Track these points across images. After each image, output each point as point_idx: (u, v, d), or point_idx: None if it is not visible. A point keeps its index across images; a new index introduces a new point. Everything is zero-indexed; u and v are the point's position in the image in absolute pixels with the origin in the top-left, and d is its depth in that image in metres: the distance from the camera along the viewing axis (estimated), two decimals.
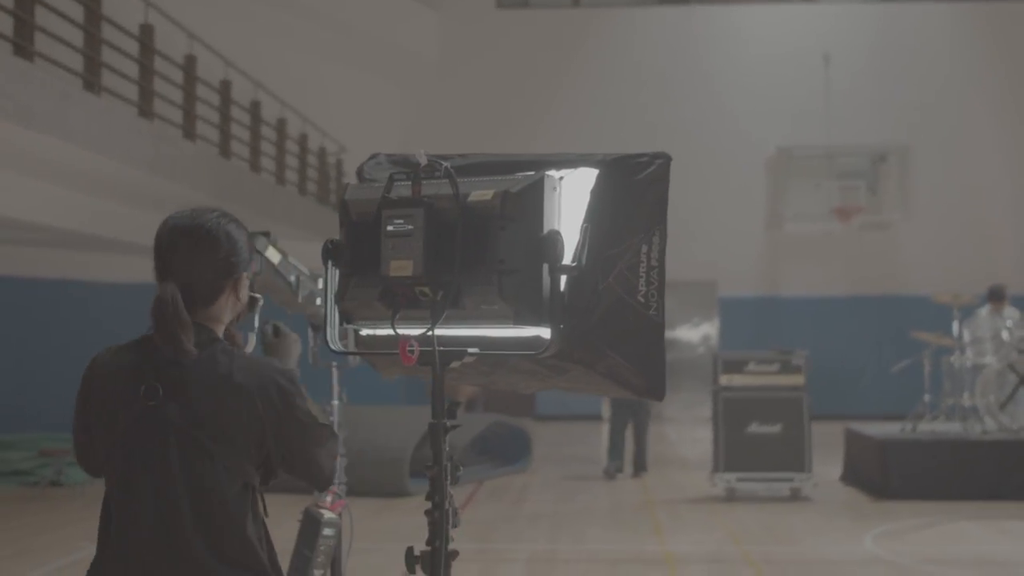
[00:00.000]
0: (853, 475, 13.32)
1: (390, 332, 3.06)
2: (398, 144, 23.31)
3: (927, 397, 13.56)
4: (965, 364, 12.92)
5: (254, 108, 16.75)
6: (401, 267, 2.87)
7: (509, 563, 9.03)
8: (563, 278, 2.90)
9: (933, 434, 12.88)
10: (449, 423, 2.98)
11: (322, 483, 2.95)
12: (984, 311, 13.14)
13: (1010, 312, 13.02)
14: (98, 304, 17.64)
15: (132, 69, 13.33)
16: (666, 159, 3.08)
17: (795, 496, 12.10)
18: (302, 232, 16.47)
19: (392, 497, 11.69)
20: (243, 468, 2.78)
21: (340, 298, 3.06)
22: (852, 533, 10.30)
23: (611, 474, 13.90)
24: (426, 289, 2.89)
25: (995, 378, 12.58)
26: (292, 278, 4.31)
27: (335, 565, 4.66)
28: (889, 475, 12.20)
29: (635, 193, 3.01)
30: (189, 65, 14.51)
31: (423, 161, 2.93)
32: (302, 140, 18.88)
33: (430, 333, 2.88)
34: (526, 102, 23.32)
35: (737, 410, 12.19)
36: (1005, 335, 12.68)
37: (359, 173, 3.22)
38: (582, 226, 2.90)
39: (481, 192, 2.87)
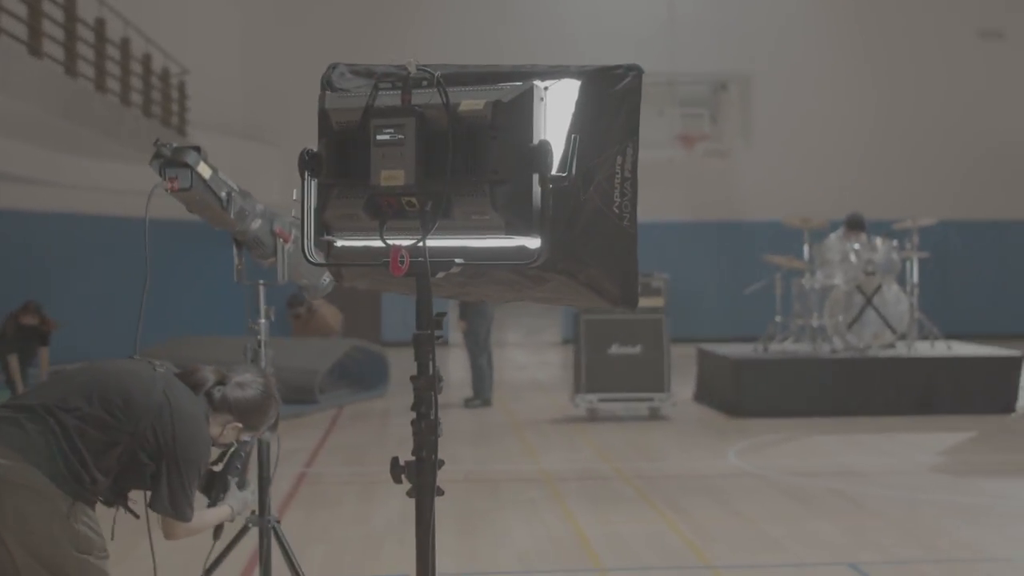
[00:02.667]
0: (707, 394, 13.70)
1: (368, 243, 3.04)
2: (239, 67, 22.83)
3: (778, 318, 13.99)
4: (814, 286, 13.34)
5: (99, 26, 16.16)
6: (392, 177, 2.85)
7: (386, 484, 9.04)
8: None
9: (784, 353, 13.33)
10: (436, 334, 2.98)
11: None
12: (834, 235, 13.55)
13: (859, 237, 13.44)
14: None
15: None
16: (639, 71, 3.10)
17: (654, 415, 12.41)
18: (146, 155, 15.98)
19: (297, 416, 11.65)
20: None
21: (321, 209, 3.02)
22: (715, 449, 10.63)
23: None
24: (413, 199, 2.88)
25: (843, 299, 13.05)
26: (223, 194, 4.20)
27: (262, 484, 4.63)
28: (743, 393, 12.60)
29: (612, 104, 3.03)
30: None
31: (413, 70, 2.90)
32: (146, 60, 18.30)
33: (421, 243, 2.87)
34: (369, 25, 22.99)
35: (598, 332, 12.40)
36: (853, 258, 13.14)
37: (327, 83, 3.16)
38: (569, 136, 2.91)
39: (471, 102, 2.86)
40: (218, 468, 4.19)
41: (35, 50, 13.58)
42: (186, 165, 4.09)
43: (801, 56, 23.72)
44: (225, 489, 4.19)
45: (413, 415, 3.00)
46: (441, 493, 3.00)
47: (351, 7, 23.24)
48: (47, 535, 3.61)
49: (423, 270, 2.90)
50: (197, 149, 4.15)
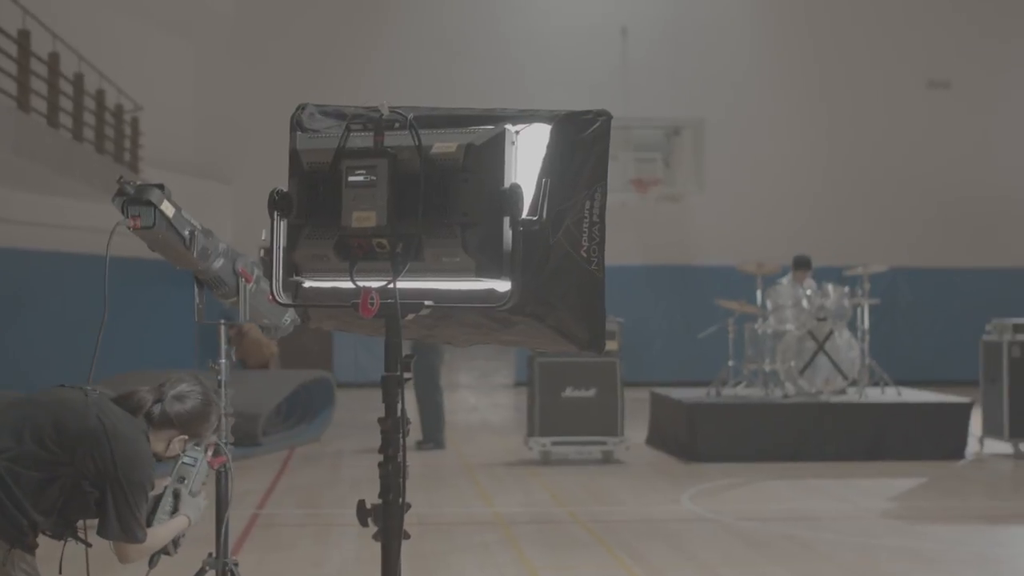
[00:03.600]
0: (659, 438, 13.72)
1: (337, 284, 3.03)
2: (192, 104, 22.77)
3: (731, 363, 14.05)
4: (767, 331, 13.42)
5: (53, 60, 16.06)
6: (364, 218, 2.85)
7: (340, 527, 9.00)
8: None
9: (737, 398, 13.39)
10: (404, 376, 2.97)
11: None
12: (786, 280, 13.65)
13: (809, 282, 13.56)
14: None
15: None
16: (608, 116, 3.14)
17: (607, 459, 12.39)
18: (100, 192, 15.90)
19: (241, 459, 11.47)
20: None
21: (290, 249, 3.01)
22: (669, 493, 10.64)
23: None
24: (384, 241, 2.88)
25: (795, 344, 13.12)
26: (186, 232, 4.17)
27: (219, 524, 4.57)
28: (696, 438, 12.62)
29: (582, 149, 3.05)
30: None
31: (385, 112, 2.90)
32: (99, 96, 18.21)
33: (391, 286, 2.87)
34: (324, 63, 23.03)
35: (552, 375, 12.38)
36: (805, 303, 13.23)
37: (297, 124, 3.16)
38: (540, 180, 2.92)
39: (444, 144, 2.87)
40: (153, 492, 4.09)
41: None
42: (149, 203, 4.05)
43: (755, 102, 23.98)
44: (153, 512, 4.08)
45: (377, 457, 2.98)
46: (407, 537, 2.98)
47: (305, 46, 23.26)
48: None
49: (393, 312, 2.89)
50: (160, 187, 4.11)
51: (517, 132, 2.96)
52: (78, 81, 17.23)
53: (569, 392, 12.37)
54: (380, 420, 2.98)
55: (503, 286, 2.90)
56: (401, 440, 2.97)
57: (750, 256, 15.82)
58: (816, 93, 24.09)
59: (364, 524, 2.99)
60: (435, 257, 2.87)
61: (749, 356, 13.81)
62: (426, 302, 2.95)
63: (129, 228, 4.04)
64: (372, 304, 2.87)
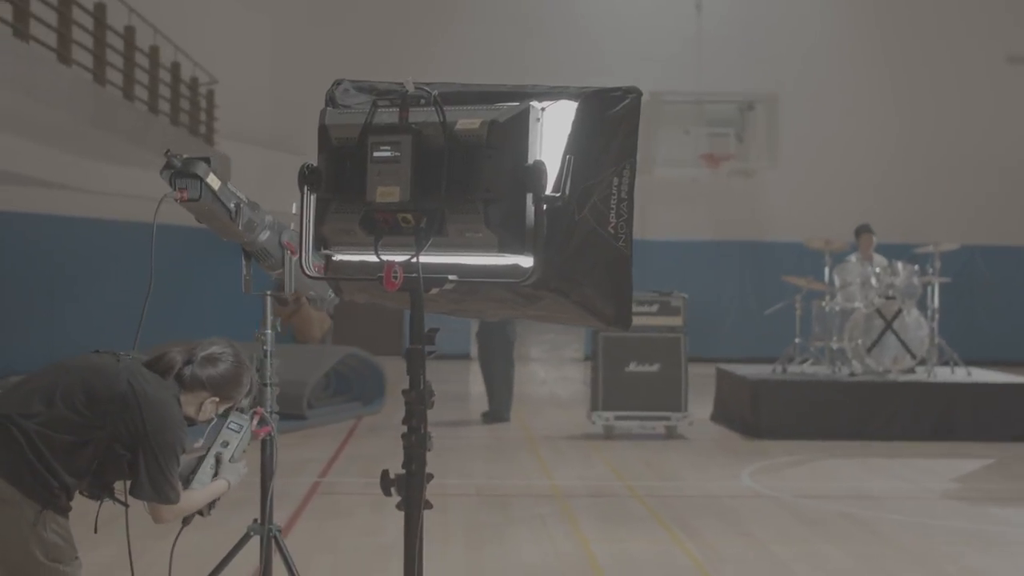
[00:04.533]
0: (724, 414, 13.70)
1: (364, 258, 3.08)
2: (268, 77, 22.99)
3: (797, 340, 13.96)
4: (834, 308, 13.32)
5: (128, 34, 16.30)
6: (387, 193, 2.89)
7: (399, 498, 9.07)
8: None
9: (803, 375, 13.32)
10: (427, 349, 3.01)
11: None
12: (854, 257, 13.54)
13: (878, 259, 13.43)
14: None
15: None
16: (638, 94, 3.14)
17: (670, 434, 12.40)
18: None
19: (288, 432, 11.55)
20: None
21: (319, 223, 3.06)
22: (729, 469, 10.61)
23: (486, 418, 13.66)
24: (408, 216, 2.92)
25: (863, 322, 13.01)
26: (232, 205, 4.24)
27: (264, 491, 4.65)
28: (760, 415, 12.58)
29: (609, 126, 3.06)
30: None
31: (410, 89, 2.94)
32: (175, 69, 18.45)
33: (414, 259, 2.91)
34: (397, 38, 23.13)
35: (616, 350, 12.40)
36: (873, 281, 13.11)
37: (331, 99, 3.21)
38: (564, 157, 2.94)
39: (468, 121, 2.90)
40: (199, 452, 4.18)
41: (64, 57, 13.72)
42: (195, 176, 4.13)
43: (827, 78, 23.72)
44: (194, 474, 4.16)
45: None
46: (429, 507, 3.03)
47: (381, 19, 23.38)
48: (15, 543, 3.65)
49: (416, 286, 2.94)
50: (207, 160, 4.19)
51: (543, 109, 2.98)
52: (154, 54, 17.47)
53: (633, 367, 12.37)
54: (404, 392, 3.03)
55: (526, 261, 2.93)
56: (424, 412, 3.02)
57: (820, 233, 15.67)
58: (889, 68, 23.77)
59: (387, 494, 3.04)
60: (458, 232, 2.91)
61: (816, 333, 13.73)
62: (450, 276, 2.99)
63: (176, 200, 4.12)
64: (396, 278, 2.91)
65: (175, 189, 4.14)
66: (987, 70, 23.86)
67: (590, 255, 3.05)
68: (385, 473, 3.05)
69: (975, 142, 23.70)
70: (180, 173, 4.14)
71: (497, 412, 13.69)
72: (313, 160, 3.12)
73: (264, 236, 4.44)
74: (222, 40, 21.41)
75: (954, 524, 8.38)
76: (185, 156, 4.22)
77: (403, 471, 3.03)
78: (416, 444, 3.00)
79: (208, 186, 4.16)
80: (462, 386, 18.24)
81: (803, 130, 23.43)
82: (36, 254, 18.01)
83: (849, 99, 23.68)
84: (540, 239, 2.89)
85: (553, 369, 22.13)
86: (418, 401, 3.01)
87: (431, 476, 3.03)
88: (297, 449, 10.81)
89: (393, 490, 3.04)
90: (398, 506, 3.03)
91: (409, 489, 3.00)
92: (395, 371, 15.85)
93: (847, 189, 23.35)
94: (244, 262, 4.59)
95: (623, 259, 3.13)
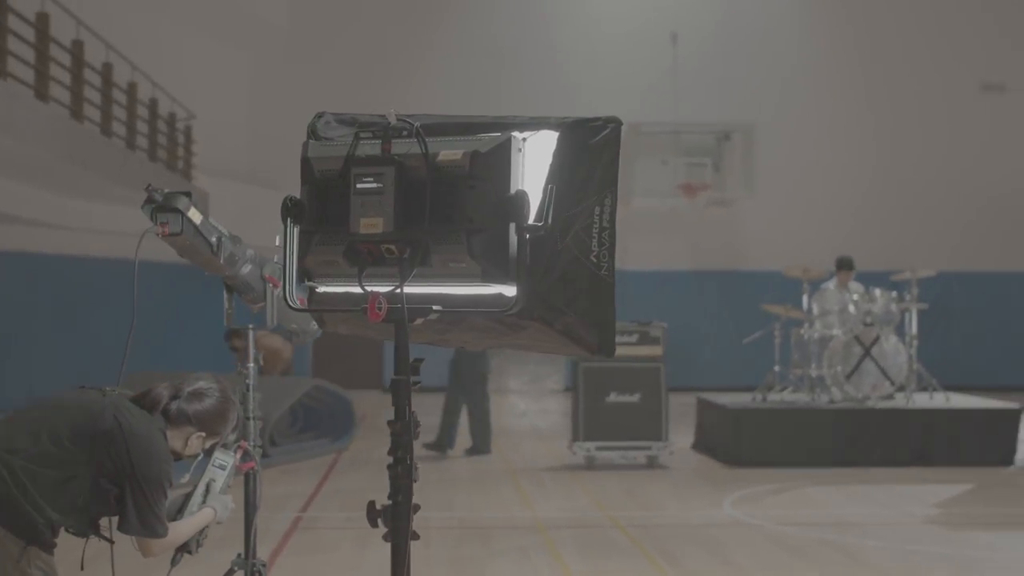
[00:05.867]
0: (704, 443, 13.71)
1: (348, 289, 3.09)
2: (246, 112, 23.02)
3: (777, 368, 14.00)
4: (813, 336, 13.36)
5: (106, 70, 16.31)
6: (371, 224, 2.91)
7: (382, 531, 9.04)
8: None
9: (783, 403, 13.35)
10: (412, 380, 3.02)
11: None
12: (832, 284, 13.60)
13: (855, 286, 13.49)
14: None
15: None
16: (618, 123, 3.17)
17: (652, 464, 12.39)
18: None
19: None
20: None
21: (303, 255, 3.07)
22: (711, 498, 10.62)
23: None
24: (392, 247, 2.93)
25: (842, 349, 13.05)
26: (213, 239, 4.25)
27: (248, 526, 4.64)
28: (741, 443, 12.60)
29: (590, 155, 3.09)
30: (42, 23, 14.05)
31: (392, 120, 2.96)
32: (152, 105, 18.47)
33: (398, 290, 2.92)
34: (375, 72, 23.20)
35: (596, 380, 12.41)
36: (852, 308, 13.17)
37: (312, 131, 3.22)
38: (546, 187, 2.96)
39: (450, 152, 2.92)
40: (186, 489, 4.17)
41: (42, 94, 13.73)
42: (177, 210, 4.13)
43: (804, 107, 23.88)
44: (181, 510, 4.14)
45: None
46: (416, 538, 3.03)
47: (357, 53, 23.44)
48: None
49: (401, 316, 2.95)
50: (188, 194, 4.19)
51: (524, 139, 3.01)
52: (131, 90, 17.49)
53: (613, 397, 12.38)
54: (389, 422, 3.04)
55: (510, 291, 2.94)
56: (411, 442, 3.02)
57: (798, 261, 15.74)
58: (865, 97, 23.95)
59: (374, 525, 3.04)
60: (442, 263, 2.92)
61: (795, 361, 13.77)
62: (434, 307, 3.00)
63: (158, 234, 4.13)
64: (380, 308, 2.92)
65: (156, 224, 4.14)
66: (963, 99, 24.08)
67: (573, 284, 3.07)
68: (371, 504, 3.05)
69: (952, 170, 23.89)
70: (161, 207, 4.14)
71: (478, 446, 13.62)
72: (292, 193, 3.13)
73: (246, 270, 4.45)
74: (200, 76, 21.44)
75: (935, 549, 8.41)
76: (166, 190, 4.23)
77: (389, 502, 3.02)
78: (402, 475, 3.01)
79: (190, 220, 4.16)
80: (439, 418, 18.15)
81: (780, 159, 23.56)
82: (14, 291, 17.93)
83: (825, 128, 23.85)
84: (523, 268, 2.91)
85: (533, 401, 22.11)
86: (403, 431, 3.01)
87: (417, 507, 3.03)
88: (277, 484, 10.77)
89: (379, 521, 3.03)
90: (385, 537, 3.03)
91: (396, 520, 3.00)
92: (372, 404, 15.92)
93: (824, 218, 23.49)
94: (226, 296, 4.61)
95: (606, 287, 3.15)
